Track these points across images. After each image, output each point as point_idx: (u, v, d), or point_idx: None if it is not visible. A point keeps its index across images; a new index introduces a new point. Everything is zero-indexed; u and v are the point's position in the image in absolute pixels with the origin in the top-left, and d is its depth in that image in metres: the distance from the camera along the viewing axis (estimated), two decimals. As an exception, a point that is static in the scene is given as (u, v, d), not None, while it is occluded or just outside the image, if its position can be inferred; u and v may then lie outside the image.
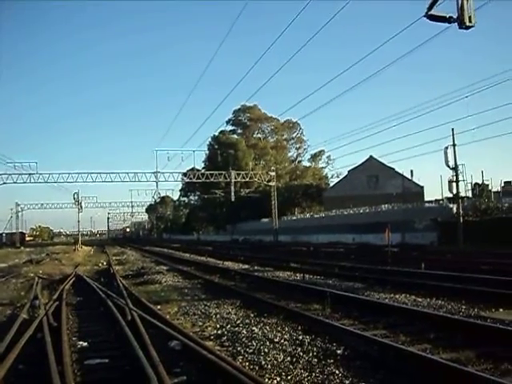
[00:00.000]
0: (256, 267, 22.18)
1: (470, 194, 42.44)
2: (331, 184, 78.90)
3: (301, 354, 6.84)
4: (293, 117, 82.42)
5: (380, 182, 64.52)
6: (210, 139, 79.91)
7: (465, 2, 11.14)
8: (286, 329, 8.52)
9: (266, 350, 7.08)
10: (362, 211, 49.48)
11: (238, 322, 9.38)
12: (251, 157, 75.46)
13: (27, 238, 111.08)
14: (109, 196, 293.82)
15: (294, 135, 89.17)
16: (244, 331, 8.38)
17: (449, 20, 11.59)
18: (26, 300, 13.07)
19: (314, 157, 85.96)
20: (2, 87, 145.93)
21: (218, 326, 9.19)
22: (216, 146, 79.07)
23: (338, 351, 6.87)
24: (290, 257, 27.77)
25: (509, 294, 10.44)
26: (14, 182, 52.20)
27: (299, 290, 13.34)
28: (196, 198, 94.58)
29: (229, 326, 9.06)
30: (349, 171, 70.14)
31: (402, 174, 57.43)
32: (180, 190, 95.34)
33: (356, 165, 67.52)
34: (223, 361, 6.06)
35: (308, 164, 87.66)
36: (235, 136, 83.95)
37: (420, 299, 11.25)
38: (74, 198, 69.17)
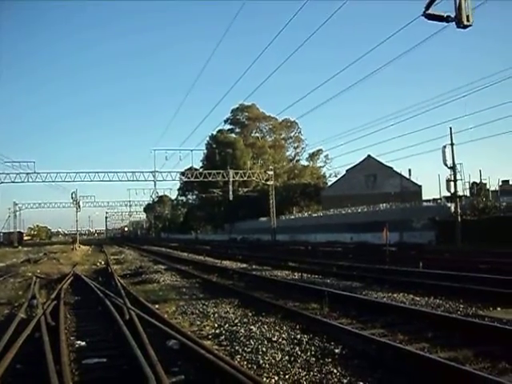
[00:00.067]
0: (254, 266, 22.18)
1: (467, 193, 42.53)
2: (329, 183, 79.06)
3: (299, 353, 6.84)
4: (291, 116, 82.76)
5: (378, 181, 64.58)
6: (207, 138, 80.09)
7: (462, 1, 11.14)
8: (284, 328, 8.52)
9: (264, 349, 7.08)
10: (359, 210, 49.53)
11: (236, 321, 9.38)
12: (249, 156, 75.50)
13: (25, 238, 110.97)
14: (107, 195, 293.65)
15: (291, 134, 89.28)
16: (242, 330, 8.38)
17: (446, 19, 11.60)
18: (23, 299, 13.04)
19: (312, 156, 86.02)
20: (1, 87, 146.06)
21: (216, 325, 9.19)
22: (214, 145, 79.12)
23: (336, 350, 6.87)
24: (288, 256, 27.79)
25: (507, 293, 10.46)
26: (12, 182, 52.24)
27: (297, 289, 13.34)
28: (194, 197, 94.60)
29: (227, 325, 9.06)
30: (347, 170, 70.22)
31: (400, 174, 57.57)
32: (178, 190, 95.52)
33: (354, 164, 67.71)
34: (221, 360, 6.06)
35: (306, 163, 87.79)
36: (233, 135, 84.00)
37: (418, 298, 11.26)
38: (72, 198, 69.24)
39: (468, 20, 11.28)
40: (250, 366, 6.36)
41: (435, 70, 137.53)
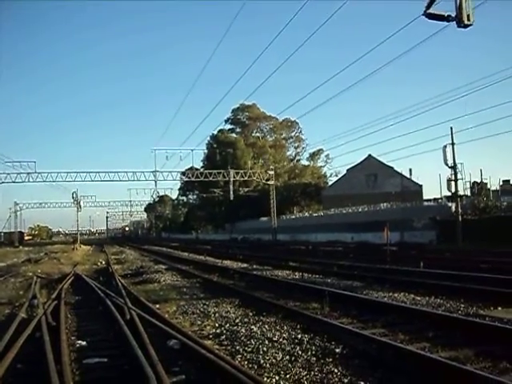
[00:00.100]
0: (255, 266, 22.18)
1: (468, 193, 42.60)
2: (330, 183, 79.00)
3: (299, 352, 6.84)
4: (291, 116, 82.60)
5: (379, 181, 64.56)
6: (208, 138, 80.00)
7: (463, 1, 11.13)
8: (285, 328, 8.52)
9: (264, 348, 7.08)
10: (360, 210, 49.51)
11: (237, 320, 9.38)
12: (250, 156, 75.45)
13: (26, 238, 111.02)
14: (108, 195, 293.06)
15: (292, 134, 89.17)
16: (243, 330, 8.38)
17: (447, 18, 11.60)
18: (24, 299, 13.05)
19: (313, 156, 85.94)
20: (1, 87, 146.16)
21: (216, 324, 9.19)
22: (215, 145, 79.09)
23: (337, 350, 6.87)
24: (289, 256, 27.80)
25: (507, 293, 10.45)
26: (13, 181, 52.22)
27: (298, 288, 13.34)
28: (195, 197, 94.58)
29: (227, 324, 9.06)
30: (347, 170, 70.21)
31: (401, 173, 57.57)
32: (179, 189, 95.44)
33: (355, 164, 67.71)
34: (222, 360, 6.06)
35: (307, 163, 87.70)
36: (234, 135, 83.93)
37: (419, 298, 11.25)
38: (73, 198, 69.17)
39: (469, 19, 11.28)
40: (250, 365, 6.36)
41: (435, 70, 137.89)
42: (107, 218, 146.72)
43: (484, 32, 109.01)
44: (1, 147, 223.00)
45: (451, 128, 34.89)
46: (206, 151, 79.45)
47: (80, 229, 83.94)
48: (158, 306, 11.54)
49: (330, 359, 6.47)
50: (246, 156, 74.05)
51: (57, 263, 30.47)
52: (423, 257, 19.97)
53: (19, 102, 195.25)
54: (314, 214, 61.18)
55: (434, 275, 14.50)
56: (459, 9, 11.22)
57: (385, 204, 47.37)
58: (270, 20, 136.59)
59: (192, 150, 58.27)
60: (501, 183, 52.81)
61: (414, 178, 62.10)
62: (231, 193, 58.10)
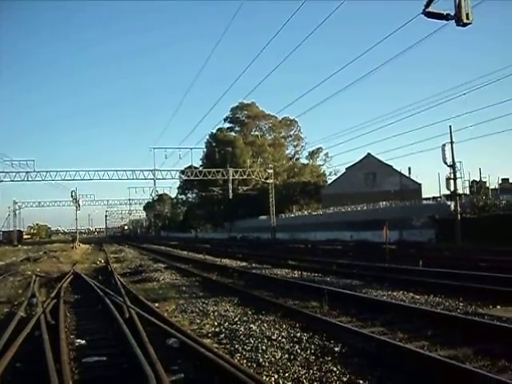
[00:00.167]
0: (254, 265, 22.18)
1: (467, 192, 42.65)
2: (329, 181, 79.07)
3: (298, 351, 6.85)
4: (290, 114, 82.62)
5: (378, 180, 64.59)
6: (207, 137, 79.98)
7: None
8: (284, 326, 8.52)
9: (263, 347, 7.08)
10: (359, 208, 49.55)
11: (236, 319, 9.38)
12: (249, 154, 75.47)
13: (25, 236, 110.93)
14: (107, 194, 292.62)
15: (291, 133, 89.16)
16: (242, 329, 8.38)
17: (446, 17, 11.58)
18: (23, 298, 13.05)
19: (312, 154, 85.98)
20: (1, 86, 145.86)
21: (215, 323, 9.19)
22: (214, 144, 79.09)
23: (336, 348, 6.88)
24: (288, 254, 27.79)
25: (506, 291, 10.46)
26: (12, 180, 52.27)
27: (297, 287, 13.35)
28: (194, 195, 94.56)
29: (227, 323, 9.06)
30: (346, 169, 70.26)
31: (400, 172, 57.68)
32: (178, 188, 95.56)
33: (354, 162, 67.72)
34: (221, 358, 6.06)
35: (306, 161, 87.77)
36: (233, 133, 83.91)
37: (418, 296, 11.26)
38: (72, 196, 69.06)
39: (468, 18, 11.27)
40: (249, 364, 6.36)
41: (434, 69, 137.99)
42: (106, 216, 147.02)
43: (483, 31, 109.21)
44: (0, 146, 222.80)
45: (450, 126, 34.95)
46: (205, 150, 79.52)
47: (79, 227, 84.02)
48: (157, 304, 11.54)
49: (329, 358, 6.47)
50: (245, 155, 74.07)
51: (56, 262, 30.45)
52: (422, 255, 19.97)
53: (19, 102, 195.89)
54: (313, 213, 61.21)
55: (433, 274, 14.51)
56: (458, 7, 11.21)
57: (384, 203, 47.40)
58: (269, 19, 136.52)
59: (191, 149, 58.39)
60: (500, 182, 52.86)
61: (413, 177, 62.27)
62: (230, 191, 58.11)
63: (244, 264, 23.01)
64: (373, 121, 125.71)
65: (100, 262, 29.96)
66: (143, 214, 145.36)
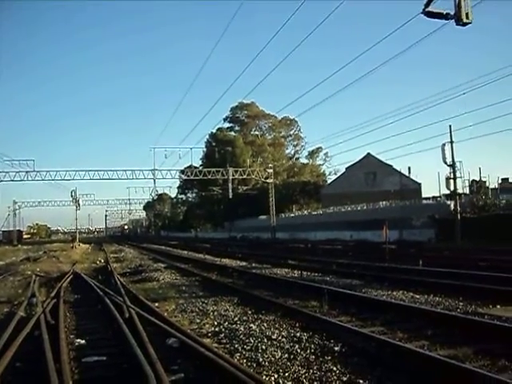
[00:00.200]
0: (254, 264, 22.17)
1: (467, 191, 42.62)
2: (329, 181, 79.11)
3: (298, 350, 6.84)
4: (290, 114, 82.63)
5: (377, 179, 64.62)
6: (207, 136, 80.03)
7: (462, -1, 11.14)
8: (284, 326, 8.52)
9: (263, 347, 7.07)
10: (359, 208, 49.58)
11: (236, 319, 9.38)
12: (249, 154, 75.47)
13: (24, 236, 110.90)
14: (106, 193, 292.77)
15: (291, 132, 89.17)
16: (242, 328, 8.37)
17: (446, 17, 11.62)
18: (23, 298, 13.05)
19: (312, 154, 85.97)
20: (1, 85, 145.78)
21: (215, 323, 9.19)
22: (213, 144, 79.12)
23: (336, 348, 6.87)
24: (288, 254, 27.79)
25: (506, 291, 10.46)
26: (12, 180, 52.26)
27: (297, 287, 13.34)
28: (194, 195, 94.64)
29: (226, 323, 9.06)
30: (346, 168, 70.26)
31: (400, 171, 57.70)
32: (178, 188, 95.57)
33: (353, 162, 67.72)
34: (221, 358, 6.06)
35: (305, 161, 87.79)
36: (233, 133, 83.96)
37: (418, 296, 11.25)
38: (72, 196, 69.01)
39: (467, 17, 11.29)
40: (249, 363, 6.36)
41: (434, 68, 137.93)
42: (106, 216, 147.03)
43: (483, 30, 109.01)
44: (0, 146, 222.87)
45: (450, 126, 34.98)
46: (204, 149, 79.63)
47: (79, 227, 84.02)
48: (156, 304, 11.54)
49: (329, 357, 6.47)
50: (245, 154, 74.06)
51: (56, 262, 30.44)
52: (422, 255, 19.97)
53: (19, 101, 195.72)
54: (313, 213, 61.25)
55: (433, 273, 14.51)
56: (458, 7, 11.23)
57: (384, 202, 47.43)
58: (268, 19, 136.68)
59: (191, 149, 58.43)
60: (500, 181, 52.78)
61: (412, 177, 62.28)
62: (230, 191, 58.11)
63: (244, 264, 23.01)
64: (373, 120, 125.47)
65: (100, 261, 29.95)
66: (143, 214, 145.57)
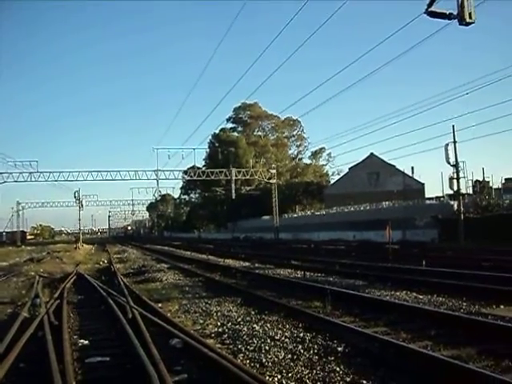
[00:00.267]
0: (257, 265, 22.19)
1: (470, 191, 42.51)
2: (332, 181, 79.08)
3: (302, 351, 6.84)
4: (293, 114, 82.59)
5: (381, 179, 64.52)
6: (210, 137, 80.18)
7: (465, -1, 11.12)
8: (287, 326, 8.52)
9: (266, 347, 7.08)
10: (362, 208, 49.52)
11: (239, 319, 9.38)
12: (252, 154, 75.53)
13: (28, 237, 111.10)
14: (110, 194, 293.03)
15: (294, 133, 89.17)
16: (245, 329, 8.37)
17: (449, 16, 11.60)
18: (26, 298, 13.08)
19: (315, 154, 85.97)
20: (1, 85, 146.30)
21: (218, 323, 9.19)
22: (216, 144, 79.15)
23: (339, 348, 6.87)
24: (291, 254, 27.78)
25: (509, 291, 10.43)
26: (15, 181, 52.44)
27: (300, 287, 13.34)
28: (197, 195, 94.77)
29: (230, 323, 9.06)
30: (349, 168, 70.22)
31: (403, 171, 57.53)
32: (181, 188, 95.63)
33: (357, 162, 67.63)
34: (224, 359, 6.06)
35: (309, 161, 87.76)
36: (236, 134, 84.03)
37: (421, 296, 11.24)
38: (75, 197, 69.23)
39: (470, 17, 11.27)
40: (252, 364, 6.36)
41: (437, 68, 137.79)
42: (109, 217, 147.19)
43: (486, 30, 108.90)
44: (2, 147, 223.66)
45: (453, 126, 34.86)
46: (207, 150, 79.82)
47: (82, 228, 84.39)
48: (160, 304, 11.55)
49: (332, 358, 6.47)
50: (248, 155, 74.10)
51: (59, 262, 30.52)
52: (425, 255, 19.92)
53: (19, 101, 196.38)
54: (316, 213, 61.20)
55: (436, 273, 14.48)
56: (461, 7, 11.21)
57: (387, 202, 47.36)
58: (271, 19, 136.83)
59: (194, 149, 58.53)
60: (503, 181, 52.58)
61: (416, 177, 62.12)
62: (233, 192, 58.10)
63: (247, 264, 23.02)
64: (376, 120, 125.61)
65: (103, 262, 30.00)
66: (146, 215, 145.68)
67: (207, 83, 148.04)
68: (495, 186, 47.57)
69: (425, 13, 11.72)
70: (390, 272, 15.97)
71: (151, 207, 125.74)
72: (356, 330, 7.80)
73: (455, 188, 34.68)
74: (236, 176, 57.93)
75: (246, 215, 73.24)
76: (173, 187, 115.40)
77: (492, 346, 6.54)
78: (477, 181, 46.45)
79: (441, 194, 46.65)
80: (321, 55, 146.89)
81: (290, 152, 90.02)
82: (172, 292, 14.05)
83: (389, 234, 22.80)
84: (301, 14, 22.93)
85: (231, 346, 7.37)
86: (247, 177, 59.58)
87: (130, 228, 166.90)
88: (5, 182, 52.07)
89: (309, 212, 65.23)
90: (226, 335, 8.11)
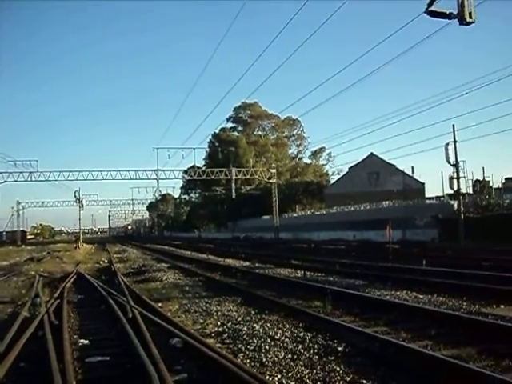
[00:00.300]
0: (257, 264, 22.18)
1: (470, 191, 42.48)
2: (332, 181, 79.10)
3: (302, 351, 6.84)
4: (293, 114, 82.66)
5: (381, 179, 64.52)
6: (210, 137, 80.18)
7: (465, -2, 11.13)
8: (287, 326, 8.51)
9: (266, 347, 7.08)
10: (362, 208, 49.52)
11: (239, 319, 9.38)
12: (252, 154, 75.54)
13: (28, 236, 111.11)
14: (110, 194, 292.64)
15: (294, 132, 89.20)
16: (245, 328, 8.37)
17: (449, 16, 11.61)
18: (27, 298, 13.08)
19: (315, 154, 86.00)
20: (2, 85, 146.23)
21: (219, 323, 9.19)
22: (216, 144, 79.18)
23: (339, 348, 6.87)
24: (291, 254, 27.77)
25: (510, 291, 10.42)
26: (15, 181, 52.44)
27: (300, 287, 13.34)
28: (197, 195, 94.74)
29: (230, 323, 9.06)
30: (349, 168, 70.22)
31: (403, 171, 57.63)
32: (181, 188, 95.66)
33: (357, 162, 67.64)
34: (224, 358, 6.06)
35: (309, 161, 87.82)
36: (236, 133, 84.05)
37: (421, 296, 11.23)
38: (75, 196, 69.19)
39: (471, 17, 11.28)
40: (252, 364, 6.36)
41: (437, 68, 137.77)
42: (109, 216, 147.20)
43: (486, 30, 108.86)
44: (3, 146, 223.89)
45: (453, 126, 34.83)
46: (207, 150, 79.79)
47: (82, 227, 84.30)
48: (160, 304, 11.55)
49: (333, 357, 6.47)
50: (248, 154, 74.11)
51: (59, 262, 30.50)
52: (425, 255, 19.92)
53: (20, 101, 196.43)
54: (316, 213, 61.19)
55: (437, 273, 14.48)
56: (461, 6, 11.22)
57: (387, 202, 47.35)
58: (271, 19, 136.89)
59: (194, 149, 58.42)
60: (503, 181, 52.54)
61: (416, 176, 62.23)
62: (233, 191, 58.10)
63: (247, 264, 23.02)
64: (376, 120, 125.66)
65: (103, 261, 30.00)
66: (146, 214, 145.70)
67: (207, 83, 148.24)
68: (495, 186, 47.57)
69: (425, 12, 11.73)
70: (391, 272, 15.96)
71: (151, 207, 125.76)
72: (356, 329, 7.79)
73: (455, 188, 34.67)
74: (236, 176, 57.94)
75: (246, 215, 73.25)
76: (173, 187, 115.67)
77: (492, 346, 6.54)
78: (477, 180, 46.44)
79: (441, 194, 46.68)
80: (320, 55, 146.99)
81: (290, 152, 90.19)
82: (172, 291, 14.05)
83: (389, 234, 22.80)
84: (301, 14, 22.93)
85: (231, 346, 7.37)
86: (247, 176, 59.58)
87: (130, 228, 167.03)
88: (5, 181, 52.12)
89: (309, 212, 65.23)
90: (226, 335, 8.11)
